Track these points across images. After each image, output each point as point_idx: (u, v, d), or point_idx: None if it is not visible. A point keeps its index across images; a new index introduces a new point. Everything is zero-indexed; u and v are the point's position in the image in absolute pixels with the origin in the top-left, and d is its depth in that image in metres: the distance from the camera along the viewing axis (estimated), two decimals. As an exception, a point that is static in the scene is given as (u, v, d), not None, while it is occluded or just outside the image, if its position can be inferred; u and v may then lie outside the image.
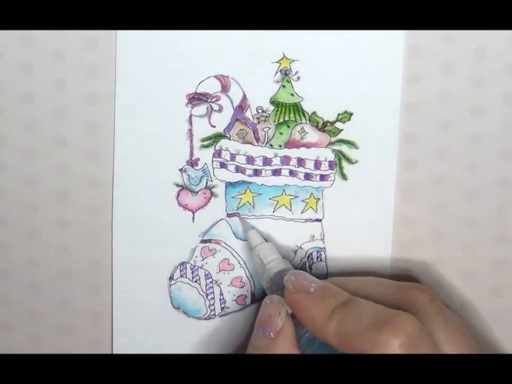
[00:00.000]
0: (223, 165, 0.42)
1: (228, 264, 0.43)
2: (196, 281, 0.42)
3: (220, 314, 0.43)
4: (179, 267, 0.43)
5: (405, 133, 0.42)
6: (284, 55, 0.41)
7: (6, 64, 0.41)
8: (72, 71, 0.41)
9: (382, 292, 0.37)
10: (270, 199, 0.42)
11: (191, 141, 0.42)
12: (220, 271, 0.43)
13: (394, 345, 0.32)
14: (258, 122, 0.42)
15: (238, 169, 0.42)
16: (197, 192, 0.42)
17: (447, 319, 0.36)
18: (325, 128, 0.42)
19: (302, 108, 0.42)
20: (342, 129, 0.42)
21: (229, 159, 0.42)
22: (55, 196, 0.42)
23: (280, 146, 0.42)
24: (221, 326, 0.43)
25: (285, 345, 0.36)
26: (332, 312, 0.35)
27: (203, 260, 0.43)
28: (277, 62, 0.42)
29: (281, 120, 0.42)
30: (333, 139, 0.42)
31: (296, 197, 0.42)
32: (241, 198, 0.42)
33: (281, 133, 0.42)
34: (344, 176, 0.42)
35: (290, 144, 0.42)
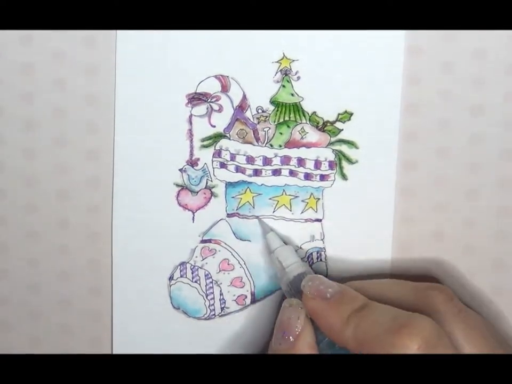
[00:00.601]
0: (223, 165, 0.42)
1: (228, 264, 0.43)
2: (195, 281, 0.42)
3: (220, 315, 0.43)
4: (179, 267, 0.43)
5: (405, 132, 0.42)
6: (284, 55, 0.41)
7: (6, 64, 0.41)
8: (72, 71, 0.41)
9: (401, 293, 0.37)
10: (270, 199, 0.42)
11: (191, 141, 0.42)
12: (219, 271, 0.43)
13: (411, 348, 0.32)
14: (258, 122, 0.42)
15: (238, 169, 0.42)
16: (197, 192, 0.42)
17: (466, 319, 0.36)
18: (325, 128, 0.42)
19: (302, 108, 0.42)
20: (342, 129, 0.42)
21: (229, 159, 0.42)
22: (55, 196, 0.42)
23: (280, 146, 0.42)
24: (221, 326, 0.43)
25: (305, 349, 0.36)
26: (347, 318, 0.35)
27: (203, 260, 0.42)
28: (277, 62, 0.42)
29: (281, 120, 0.42)
30: (333, 139, 0.42)
31: (296, 197, 0.42)
32: (241, 198, 0.42)
33: (281, 133, 0.42)
34: (344, 176, 0.42)
35: (290, 144, 0.42)
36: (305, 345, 0.36)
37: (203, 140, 0.42)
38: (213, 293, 0.42)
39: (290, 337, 0.36)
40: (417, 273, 0.42)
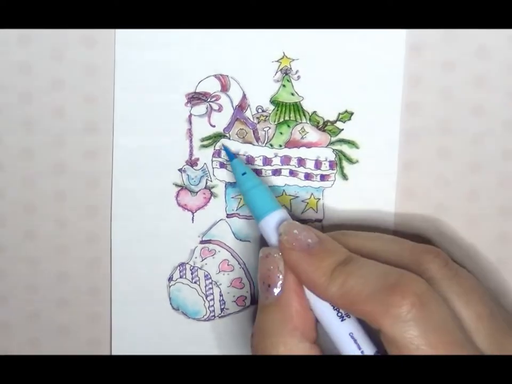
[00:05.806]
0: (222, 165, 0.42)
1: (228, 265, 0.42)
2: (195, 282, 0.42)
3: (220, 316, 0.43)
4: (178, 268, 0.42)
5: (406, 132, 0.41)
6: (284, 54, 0.41)
7: (4, 63, 0.41)
8: (71, 70, 0.41)
9: (396, 252, 0.35)
10: (270, 199, 0.42)
11: (191, 140, 0.42)
12: (219, 271, 0.42)
13: (406, 306, 0.32)
14: (258, 122, 0.42)
15: (238, 169, 0.42)
16: (197, 192, 0.42)
17: (462, 282, 0.35)
18: (326, 128, 0.42)
19: (302, 108, 0.42)
20: (343, 129, 0.42)
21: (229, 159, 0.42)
22: (54, 196, 0.42)
23: (280, 146, 0.42)
24: (221, 327, 0.43)
25: (293, 297, 0.35)
26: (332, 272, 0.33)
27: (203, 260, 0.42)
28: (277, 61, 0.41)
29: (281, 119, 0.42)
30: (333, 139, 0.42)
31: (297, 197, 0.42)
32: (241, 199, 0.42)
33: (281, 133, 0.42)
34: (344, 176, 0.42)
35: (290, 144, 0.42)
36: (292, 293, 0.35)
37: (203, 140, 0.42)
38: (212, 293, 0.42)
39: (275, 290, 0.35)
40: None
